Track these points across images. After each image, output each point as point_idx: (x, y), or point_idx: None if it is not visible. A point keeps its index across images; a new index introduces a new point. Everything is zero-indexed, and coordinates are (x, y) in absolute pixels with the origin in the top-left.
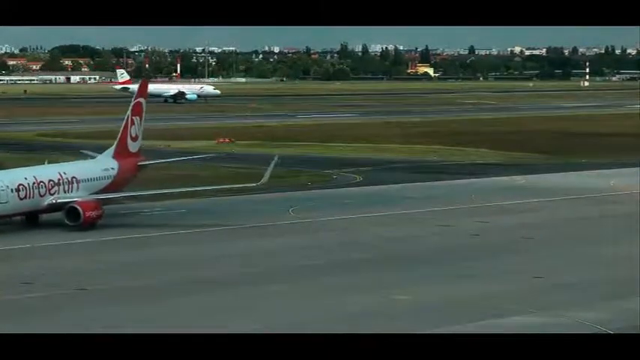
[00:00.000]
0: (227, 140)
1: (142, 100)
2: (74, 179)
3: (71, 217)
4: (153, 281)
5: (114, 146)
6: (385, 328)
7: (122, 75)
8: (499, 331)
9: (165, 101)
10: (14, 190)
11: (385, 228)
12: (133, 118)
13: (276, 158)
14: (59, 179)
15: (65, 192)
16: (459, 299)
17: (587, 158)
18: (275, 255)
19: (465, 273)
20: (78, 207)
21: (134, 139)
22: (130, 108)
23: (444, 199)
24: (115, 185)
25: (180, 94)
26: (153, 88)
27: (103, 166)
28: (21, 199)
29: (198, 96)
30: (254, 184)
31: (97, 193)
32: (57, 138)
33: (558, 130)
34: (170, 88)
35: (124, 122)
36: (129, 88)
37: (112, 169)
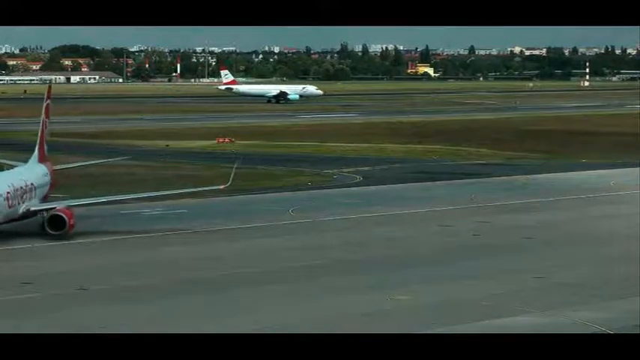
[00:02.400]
0: (227, 140)
1: (49, 102)
2: (33, 185)
3: (54, 226)
4: (154, 281)
5: (37, 151)
6: (385, 328)
7: (226, 76)
8: (499, 331)
9: (269, 101)
10: (5, 199)
11: (385, 228)
12: (46, 120)
13: (236, 163)
14: (26, 186)
15: (29, 199)
16: (459, 299)
17: (587, 158)
18: (275, 255)
19: (465, 273)
20: (63, 215)
21: (46, 143)
22: (43, 111)
23: (444, 199)
24: (49, 191)
25: (283, 95)
26: (256, 88)
27: (41, 171)
28: (9, 207)
29: (301, 96)
30: (220, 187)
31: (41, 200)
32: (58, 138)
33: (558, 130)
34: (272, 89)
35: (41, 126)
36: (232, 89)
37: (47, 174)
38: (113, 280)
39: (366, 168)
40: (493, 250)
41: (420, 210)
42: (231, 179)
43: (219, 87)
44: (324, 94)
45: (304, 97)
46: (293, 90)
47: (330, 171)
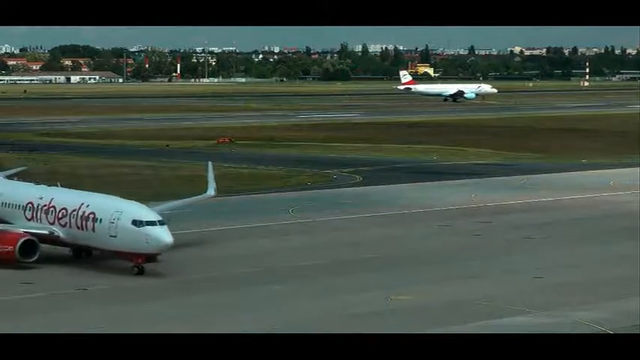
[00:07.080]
0: (227, 140)
1: None
2: None
3: None
4: (154, 281)
5: None
6: (385, 328)
7: (405, 76)
8: (499, 331)
9: (445, 100)
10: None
11: (385, 228)
12: None
13: (210, 164)
14: None
15: None
16: (459, 299)
17: (587, 158)
18: (275, 255)
19: (465, 273)
20: None
21: None
22: None
23: (444, 199)
24: None
25: (459, 93)
26: (433, 88)
27: None
28: None
29: (476, 94)
30: (202, 196)
31: None
32: (57, 138)
33: (558, 129)
34: (449, 88)
35: None
36: (411, 88)
37: None
38: (115, 280)
39: (366, 168)
40: (494, 249)
41: (420, 210)
42: (209, 184)
43: (398, 87)
44: (498, 92)
45: (479, 96)
46: (469, 89)
47: (330, 171)
